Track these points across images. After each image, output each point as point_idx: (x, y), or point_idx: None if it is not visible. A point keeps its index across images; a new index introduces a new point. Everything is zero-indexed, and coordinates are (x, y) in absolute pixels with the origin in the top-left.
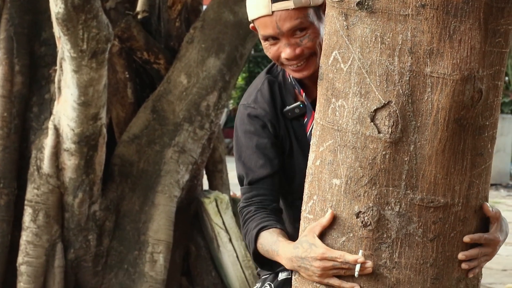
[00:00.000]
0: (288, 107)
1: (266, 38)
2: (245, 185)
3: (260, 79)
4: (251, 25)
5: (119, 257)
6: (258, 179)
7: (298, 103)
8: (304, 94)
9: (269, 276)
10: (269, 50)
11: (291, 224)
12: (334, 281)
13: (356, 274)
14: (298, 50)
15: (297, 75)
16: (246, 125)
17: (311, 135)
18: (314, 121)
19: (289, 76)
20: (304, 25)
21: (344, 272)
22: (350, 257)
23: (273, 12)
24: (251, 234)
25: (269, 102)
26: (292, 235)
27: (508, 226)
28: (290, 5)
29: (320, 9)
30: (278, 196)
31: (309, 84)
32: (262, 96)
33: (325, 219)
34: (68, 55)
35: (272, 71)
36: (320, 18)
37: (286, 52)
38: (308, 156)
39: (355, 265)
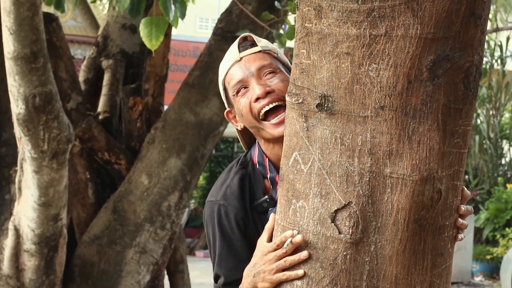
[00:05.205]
0: (256, 202)
1: (238, 90)
2: (218, 284)
3: (229, 174)
4: (226, 111)
5: None
6: (230, 281)
7: (266, 197)
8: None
9: None
10: (242, 104)
11: None
12: (284, 274)
13: (285, 245)
14: (268, 88)
15: (278, 130)
16: (216, 224)
17: None
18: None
19: (257, 164)
20: (272, 68)
21: (286, 262)
22: (286, 234)
23: (241, 58)
24: None
25: (239, 197)
26: None
27: None
28: (257, 49)
29: (287, 68)
30: None
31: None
32: (231, 192)
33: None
34: (29, 156)
35: (241, 164)
36: (287, 76)
37: (256, 92)
38: None
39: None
